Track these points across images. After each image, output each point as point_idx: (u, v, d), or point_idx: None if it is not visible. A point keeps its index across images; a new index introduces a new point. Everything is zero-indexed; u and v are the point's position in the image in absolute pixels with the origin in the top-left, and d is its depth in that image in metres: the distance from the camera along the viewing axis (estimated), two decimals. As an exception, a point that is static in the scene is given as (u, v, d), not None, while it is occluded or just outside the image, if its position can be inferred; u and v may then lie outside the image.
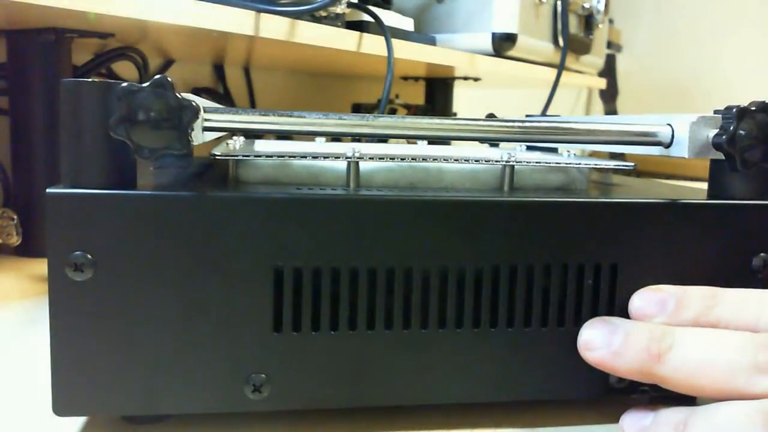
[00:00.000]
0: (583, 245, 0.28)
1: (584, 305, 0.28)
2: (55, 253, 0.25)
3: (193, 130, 0.25)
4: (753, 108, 0.28)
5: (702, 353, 0.25)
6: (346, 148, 0.31)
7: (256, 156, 0.29)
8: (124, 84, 0.24)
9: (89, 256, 0.25)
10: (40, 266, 0.54)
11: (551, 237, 0.28)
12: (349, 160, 0.29)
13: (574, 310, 0.28)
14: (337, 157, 0.29)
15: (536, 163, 0.31)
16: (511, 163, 0.30)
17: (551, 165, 0.32)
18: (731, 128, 0.28)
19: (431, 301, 0.27)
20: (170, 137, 0.24)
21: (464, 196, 0.28)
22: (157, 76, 0.24)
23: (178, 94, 0.25)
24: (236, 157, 0.30)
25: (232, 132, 0.30)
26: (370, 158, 0.29)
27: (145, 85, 0.24)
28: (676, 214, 0.28)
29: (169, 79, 0.24)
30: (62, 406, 0.25)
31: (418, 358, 0.27)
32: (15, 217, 0.53)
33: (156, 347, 0.26)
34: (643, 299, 0.28)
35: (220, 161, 0.31)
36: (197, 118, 0.25)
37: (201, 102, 0.26)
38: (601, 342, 0.27)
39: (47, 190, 0.25)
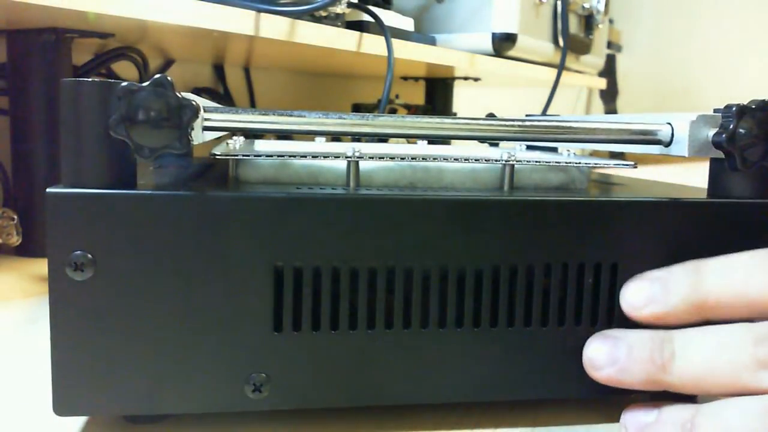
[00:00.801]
0: (584, 244, 0.28)
1: (584, 304, 0.28)
2: (56, 252, 0.24)
3: (193, 129, 0.25)
4: (753, 106, 0.28)
5: (703, 356, 0.25)
6: (346, 147, 0.31)
7: (256, 156, 0.29)
8: (125, 83, 0.24)
9: (89, 255, 0.25)
10: (40, 266, 0.54)
11: (551, 236, 0.28)
12: (349, 159, 0.29)
13: (574, 310, 0.28)
14: (336, 156, 0.29)
15: (536, 162, 0.31)
16: (511, 163, 0.30)
17: (551, 164, 0.32)
18: (731, 127, 0.28)
19: (431, 301, 0.27)
20: (170, 136, 0.24)
21: (464, 195, 0.28)
22: (158, 76, 0.24)
23: (178, 94, 0.25)
24: (236, 157, 0.30)
25: (233, 132, 0.30)
26: (370, 158, 0.29)
27: (145, 84, 0.24)
28: (676, 213, 0.28)
29: (169, 78, 0.24)
30: (63, 406, 0.25)
31: (419, 358, 0.27)
32: (15, 217, 0.53)
33: (156, 347, 0.25)
34: (630, 292, 0.27)
35: (220, 161, 0.31)
36: (197, 117, 0.25)
37: (201, 102, 0.26)
38: (605, 360, 0.27)
39: (47, 190, 0.24)
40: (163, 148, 0.24)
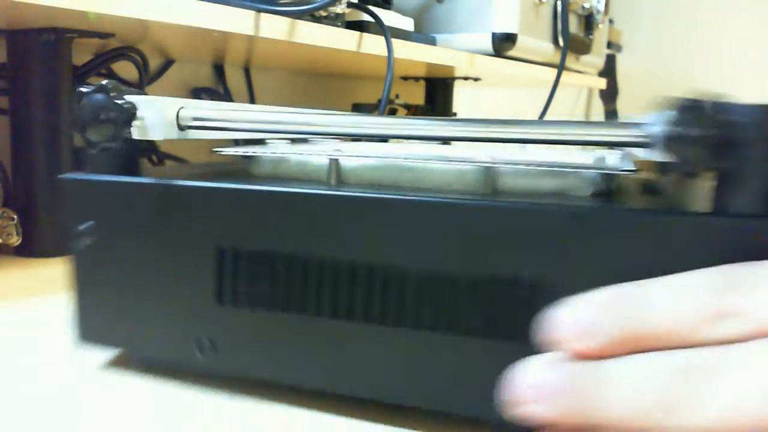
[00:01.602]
0: (513, 255, 0.25)
1: (514, 319, 0.25)
2: (71, 224, 0.31)
3: (130, 126, 0.30)
4: (689, 104, 0.24)
5: (635, 391, 0.21)
6: (351, 147, 0.32)
7: (244, 153, 0.33)
8: (81, 89, 0.30)
9: (93, 227, 0.31)
10: (41, 266, 0.54)
11: (474, 243, 0.26)
12: (330, 157, 0.30)
13: (502, 324, 0.26)
14: (319, 154, 0.31)
15: (523, 165, 0.29)
16: (488, 165, 0.29)
17: (542, 169, 0.29)
18: (671, 129, 0.24)
19: (345, 293, 0.27)
20: (106, 133, 0.30)
21: (380, 193, 0.27)
22: (104, 82, 0.30)
23: (116, 98, 0.30)
24: (236, 154, 0.33)
25: (229, 130, 0.33)
26: (350, 156, 0.30)
27: (90, 90, 0.30)
28: (616, 224, 0.25)
29: (108, 84, 0.30)
30: (82, 334, 0.32)
31: (335, 348, 0.28)
32: (15, 217, 0.53)
33: (135, 300, 0.31)
34: (562, 322, 0.22)
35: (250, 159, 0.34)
36: (132, 117, 0.30)
37: (153, 100, 0.31)
38: (530, 395, 0.22)
39: (60, 176, 0.31)
40: (102, 143, 0.30)
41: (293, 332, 0.29)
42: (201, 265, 0.30)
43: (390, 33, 0.66)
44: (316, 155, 0.31)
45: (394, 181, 0.31)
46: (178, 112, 0.32)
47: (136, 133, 0.31)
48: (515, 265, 0.25)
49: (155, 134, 0.31)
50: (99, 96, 0.30)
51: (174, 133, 0.32)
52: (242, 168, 0.34)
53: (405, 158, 0.30)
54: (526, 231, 0.25)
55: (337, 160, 0.30)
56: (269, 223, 0.29)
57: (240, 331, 0.29)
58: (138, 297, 0.31)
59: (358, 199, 0.27)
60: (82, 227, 0.31)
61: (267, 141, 0.38)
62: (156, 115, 0.31)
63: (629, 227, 0.24)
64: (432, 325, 0.27)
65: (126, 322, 0.31)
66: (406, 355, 0.27)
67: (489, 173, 0.29)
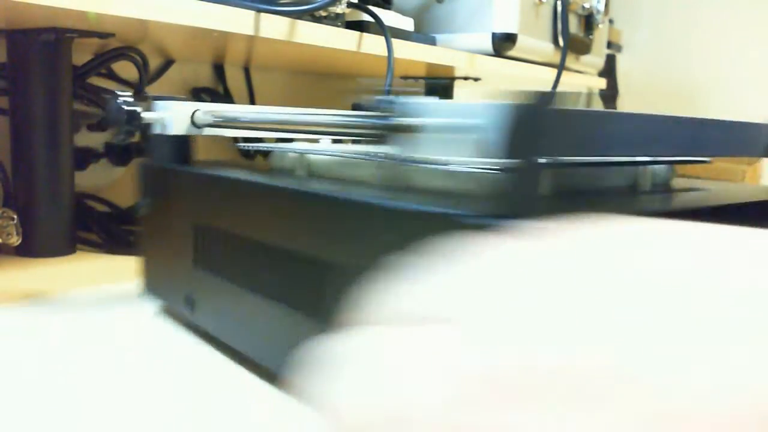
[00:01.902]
0: (314, 239, 0.28)
1: (327, 299, 0.27)
2: (138, 198, 0.42)
3: (134, 125, 0.39)
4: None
5: None
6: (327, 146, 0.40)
7: (249, 148, 0.42)
8: (107, 95, 0.39)
9: (148, 201, 0.41)
10: (41, 266, 0.54)
11: (293, 226, 0.29)
12: (300, 153, 0.35)
13: (316, 299, 0.28)
14: (292, 150, 0.37)
15: (417, 163, 0.28)
16: (386, 161, 0.30)
17: (436, 167, 0.28)
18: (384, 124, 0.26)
19: (258, 272, 0.32)
20: (117, 130, 0.39)
21: (267, 181, 0.32)
22: (116, 91, 0.39)
23: (123, 105, 0.38)
24: (248, 147, 0.42)
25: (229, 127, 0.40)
26: (314, 153, 0.35)
27: (109, 97, 0.39)
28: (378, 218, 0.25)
29: (119, 92, 0.39)
30: (145, 288, 0.42)
31: (250, 318, 0.32)
32: (15, 217, 0.53)
33: (162, 261, 0.41)
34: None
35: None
36: (134, 119, 0.38)
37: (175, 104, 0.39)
38: None
39: (138, 160, 0.44)
40: (116, 136, 0.39)
41: (230, 300, 0.34)
42: (188, 235, 0.37)
43: (390, 33, 0.67)
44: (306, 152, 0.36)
45: (350, 175, 0.34)
46: (193, 113, 0.39)
47: (157, 130, 0.40)
48: (307, 244, 0.29)
49: (172, 131, 0.39)
50: (114, 102, 0.39)
51: (189, 131, 0.40)
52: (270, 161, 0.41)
53: (335, 154, 0.34)
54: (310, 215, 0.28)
55: (303, 154, 0.36)
56: (213, 204, 0.35)
57: (207, 294, 0.36)
58: (164, 258, 0.40)
59: (257, 185, 0.32)
60: (141, 202, 0.42)
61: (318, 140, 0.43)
62: (174, 116, 0.39)
63: (392, 221, 0.24)
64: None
65: (163, 279, 0.41)
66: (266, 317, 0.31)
67: (397, 169, 0.31)
